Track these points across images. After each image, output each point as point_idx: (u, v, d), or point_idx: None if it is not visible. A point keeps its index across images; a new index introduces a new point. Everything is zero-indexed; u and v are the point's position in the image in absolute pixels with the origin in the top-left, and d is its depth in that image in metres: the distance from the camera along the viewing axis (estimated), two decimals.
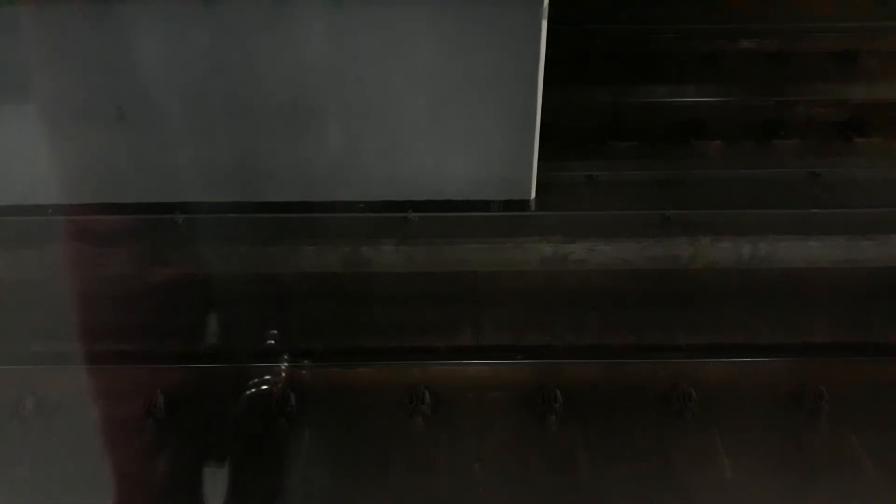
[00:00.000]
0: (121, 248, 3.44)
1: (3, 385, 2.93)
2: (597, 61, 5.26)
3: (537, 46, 3.24)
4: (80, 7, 3.18)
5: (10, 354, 3.06)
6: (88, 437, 2.79)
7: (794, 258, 3.49)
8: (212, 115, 3.44)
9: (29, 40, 3.27)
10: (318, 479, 2.65)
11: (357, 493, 2.62)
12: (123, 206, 3.61)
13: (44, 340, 3.14)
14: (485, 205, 3.63)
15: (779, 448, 2.75)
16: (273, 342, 3.13)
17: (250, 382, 2.90)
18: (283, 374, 2.90)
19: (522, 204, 3.64)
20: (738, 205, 3.64)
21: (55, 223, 3.60)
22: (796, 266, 3.50)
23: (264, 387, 2.89)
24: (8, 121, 3.45)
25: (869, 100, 4.92)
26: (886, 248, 3.51)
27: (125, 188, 3.62)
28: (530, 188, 3.63)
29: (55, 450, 2.76)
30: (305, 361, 2.98)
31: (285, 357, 2.99)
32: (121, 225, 3.55)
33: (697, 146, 4.55)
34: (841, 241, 3.48)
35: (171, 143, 3.52)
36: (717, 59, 5.38)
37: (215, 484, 2.63)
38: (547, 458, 2.71)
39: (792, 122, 4.79)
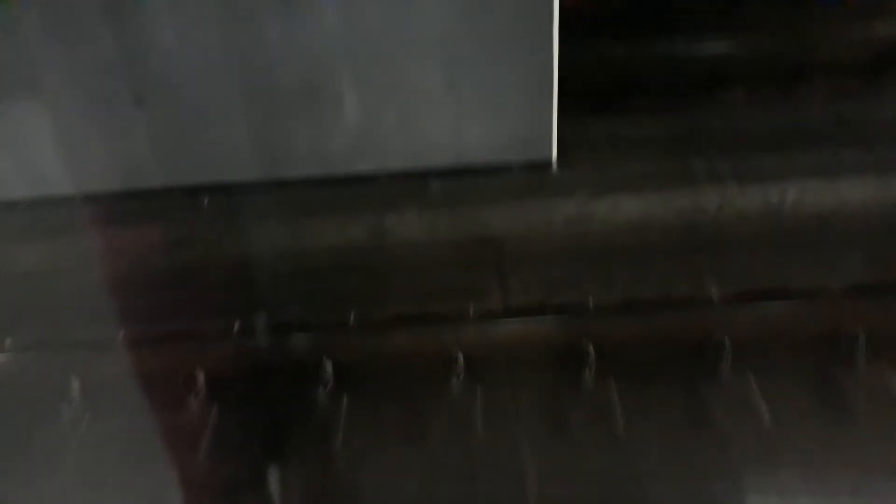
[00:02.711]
0: (150, 232, 3.51)
1: (49, 370, 3.00)
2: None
3: (550, 2, 3.19)
4: None
5: (53, 341, 3.14)
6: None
7: (823, 200, 3.44)
8: (229, 96, 3.46)
9: (46, 31, 3.30)
10: (359, 444, 2.70)
11: (398, 456, 2.67)
12: (148, 191, 3.67)
13: (84, 326, 3.21)
14: (506, 167, 3.62)
15: (817, 392, 2.73)
16: (306, 314, 3.18)
17: (287, 355, 2.95)
18: (318, 345, 2.94)
19: (544, 165, 3.62)
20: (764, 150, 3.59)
21: (83, 212, 3.67)
22: (826, 209, 3.45)
23: (300, 360, 2.93)
24: (29, 113, 3.51)
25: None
26: None
27: (148, 174, 3.66)
28: (551, 148, 3.60)
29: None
30: (339, 331, 3.02)
31: (319, 328, 3.03)
32: (147, 210, 3.61)
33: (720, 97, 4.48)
34: (871, 180, 3.41)
35: (191, 127, 3.55)
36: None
37: (262, 456, 2.70)
38: (583, 414, 2.73)
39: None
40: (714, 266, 3.30)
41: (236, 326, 3.06)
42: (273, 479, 2.61)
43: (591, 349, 2.83)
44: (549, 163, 3.62)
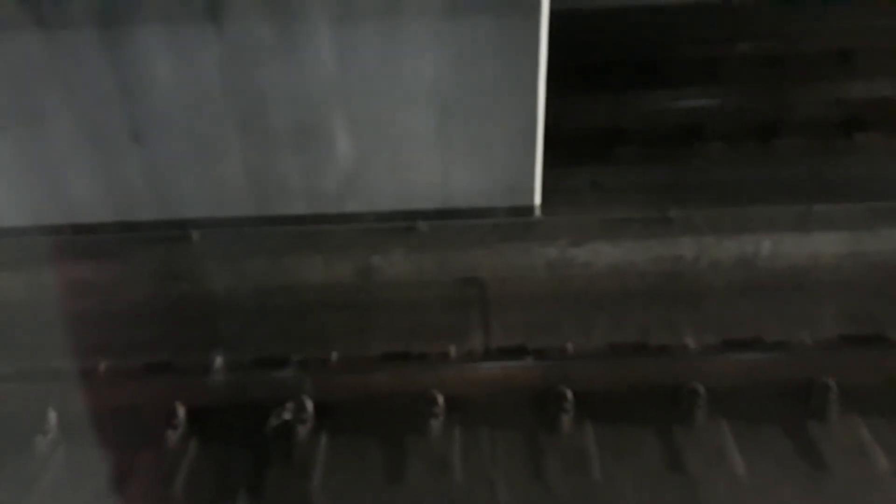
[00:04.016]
0: (137, 265, 3.54)
1: (25, 401, 2.99)
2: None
3: (537, 57, 3.32)
4: (94, 33, 3.29)
5: (32, 372, 3.13)
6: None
7: (797, 253, 3.54)
8: (224, 133, 3.54)
9: (46, 66, 3.38)
10: (337, 483, 2.70)
11: (376, 496, 2.67)
12: (139, 224, 3.72)
13: (64, 358, 3.21)
14: (491, 212, 3.70)
15: (790, 441, 2.78)
16: (289, 350, 3.20)
17: (268, 392, 2.96)
18: (300, 383, 2.96)
19: (527, 210, 3.71)
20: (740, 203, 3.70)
21: (69, 242, 3.70)
22: (800, 261, 3.55)
23: (281, 396, 2.94)
24: (27, 145, 3.57)
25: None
26: (890, 242, 3.55)
27: (140, 207, 3.72)
28: (535, 195, 3.70)
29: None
30: (321, 369, 3.04)
31: (302, 365, 3.05)
32: (136, 242, 3.65)
33: (698, 148, 4.64)
34: (845, 236, 3.52)
35: (185, 162, 3.61)
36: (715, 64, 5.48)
37: (238, 493, 2.69)
38: (560, 458, 2.75)
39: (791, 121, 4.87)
40: (691, 315, 3.38)
41: (218, 361, 3.07)
42: None
43: (569, 394, 2.87)
44: (533, 208, 3.71)
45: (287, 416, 2.82)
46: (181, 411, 2.92)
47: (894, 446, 2.73)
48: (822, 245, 3.53)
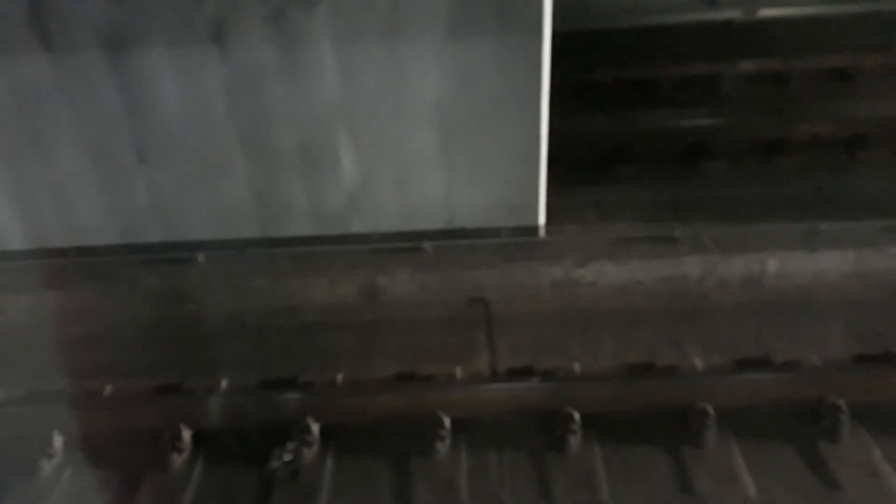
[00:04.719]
0: (142, 286, 3.54)
1: (31, 424, 2.97)
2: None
3: (539, 76, 3.34)
4: (100, 55, 3.32)
5: (38, 395, 3.12)
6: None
7: (803, 271, 3.53)
8: (229, 154, 3.56)
9: (52, 88, 3.41)
10: None
11: None
12: (145, 246, 3.73)
13: (70, 380, 3.20)
14: (496, 232, 3.71)
15: (801, 462, 2.75)
16: (294, 372, 3.19)
17: (273, 415, 2.94)
18: (305, 405, 2.94)
19: (532, 229, 3.71)
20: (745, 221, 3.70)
21: (75, 264, 3.70)
22: (806, 279, 3.54)
23: (287, 418, 2.92)
24: (33, 167, 3.58)
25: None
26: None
27: (145, 228, 3.72)
28: (539, 214, 3.70)
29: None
30: (327, 391, 3.03)
31: (307, 387, 3.04)
32: (142, 264, 3.65)
33: (701, 166, 4.64)
34: (849, 252, 3.51)
35: (190, 183, 3.63)
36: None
37: None
38: (568, 479, 2.72)
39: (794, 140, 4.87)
40: (698, 334, 3.36)
41: (224, 383, 3.06)
42: None
43: (576, 415, 2.85)
44: (537, 228, 3.71)
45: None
46: (186, 434, 2.90)
47: None
48: (827, 263, 3.52)
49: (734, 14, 6.50)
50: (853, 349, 3.22)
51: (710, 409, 2.83)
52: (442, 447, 2.81)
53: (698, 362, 3.14)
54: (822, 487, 2.65)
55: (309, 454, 2.82)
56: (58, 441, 2.91)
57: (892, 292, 3.55)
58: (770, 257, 3.51)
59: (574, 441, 2.81)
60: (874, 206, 3.81)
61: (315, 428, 2.87)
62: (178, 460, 2.85)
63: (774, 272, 3.53)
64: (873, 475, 2.68)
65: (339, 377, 3.12)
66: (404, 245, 3.68)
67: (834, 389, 2.87)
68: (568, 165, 4.25)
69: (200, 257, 3.67)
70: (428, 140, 3.53)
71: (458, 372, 3.12)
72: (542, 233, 3.71)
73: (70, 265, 3.71)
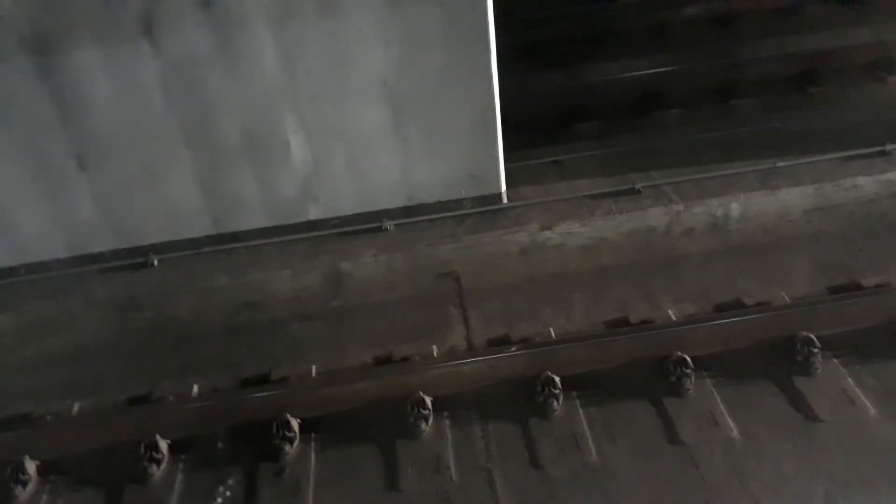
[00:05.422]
0: (101, 298, 3.40)
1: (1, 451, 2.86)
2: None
3: (486, 41, 3.26)
4: (26, 62, 3.14)
5: (4, 420, 3.01)
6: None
7: (766, 211, 3.55)
8: (172, 151, 3.42)
9: None
10: (332, 499, 2.63)
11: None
12: (96, 256, 3.58)
13: (35, 402, 3.09)
14: (458, 204, 3.64)
15: (779, 399, 2.78)
16: (267, 370, 3.12)
17: (250, 414, 2.87)
18: (281, 402, 2.87)
19: (494, 198, 3.66)
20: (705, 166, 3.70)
21: (29, 283, 3.55)
22: (769, 219, 3.56)
23: (264, 416, 2.85)
24: None
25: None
26: (854, 192, 3.58)
27: (96, 237, 3.57)
28: (500, 181, 3.65)
29: None
30: (302, 384, 2.96)
31: (281, 383, 2.97)
32: (97, 274, 3.51)
33: (656, 116, 4.63)
34: (808, 188, 3.54)
35: (136, 185, 3.48)
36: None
37: None
38: (554, 443, 2.71)
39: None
40: (669, 285, 3.37)
41: (195, 389, 2.97)
42: None
43: (556, 378, 2.84)
44: (500, 195, 3.66)
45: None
46: (163, 444, 2.81)
47: (878, 390, 2.77)
48: (789, 200, 3.55)
49: None
50: (821, 283, 3.27)
51: (688, 358, 2.85)
52: (426, 427, 2.78)
53: (672, 313, 3.16)
54: (801, 421, 2.70)
55: (291, 451, 2.76)
56: (30, 466, 2.80)
57: (853, 223, 3.61)
58: (732, 201, 3.52)
59: (557, 405, 2.80)
60: (829, 140, 3.84)
61: (294, 424, 2.81)
62: (156, 471, 2.77)
63: (738, 215, 3.55)
64: (849, 402, 2.73)
65: (314, 369, 3.07)
66: (365, 227, 3.60)
67: (805, 324, 2.90)
68: (523, 127, 4.19)
69: (155, 261, 3.54)
70: (378, 117, 3.43)
71: (435, 350, 3.08)
72: (504, 200, 3.67)
73: (20, 284, 3.54)
